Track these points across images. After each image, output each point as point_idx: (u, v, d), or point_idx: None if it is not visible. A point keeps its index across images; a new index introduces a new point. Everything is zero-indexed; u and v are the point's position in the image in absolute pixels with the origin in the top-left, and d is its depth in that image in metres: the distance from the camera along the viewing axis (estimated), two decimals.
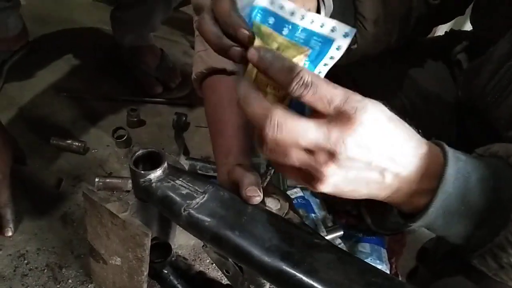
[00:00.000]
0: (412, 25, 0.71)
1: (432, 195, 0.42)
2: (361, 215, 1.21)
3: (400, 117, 0.44)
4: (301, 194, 1.24)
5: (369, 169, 0.41)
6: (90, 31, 1.72)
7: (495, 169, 0.44)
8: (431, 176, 0.43)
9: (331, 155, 0.40)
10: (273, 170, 0.57)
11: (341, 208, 1.24)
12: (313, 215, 1.19)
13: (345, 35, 0.42)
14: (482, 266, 0.46)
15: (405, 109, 0.83)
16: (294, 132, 0.40)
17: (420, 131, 0.45)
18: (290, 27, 0.43)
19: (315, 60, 0.44)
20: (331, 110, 0.40)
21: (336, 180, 0.42)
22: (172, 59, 1.59)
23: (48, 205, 1.09)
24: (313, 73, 0.40)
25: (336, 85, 0.40)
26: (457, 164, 0.42)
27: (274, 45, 0.44)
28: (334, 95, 0.40)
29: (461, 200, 0.43)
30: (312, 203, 1.22)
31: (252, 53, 0.42)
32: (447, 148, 0.43)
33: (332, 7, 0.57)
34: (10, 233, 0.99)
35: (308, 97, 0.40)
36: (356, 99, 0.40)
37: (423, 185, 0.43)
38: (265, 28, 0.44)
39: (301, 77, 0.39)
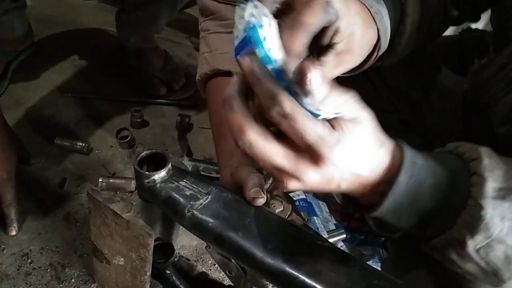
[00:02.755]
0: (433, 33, 0.72)
1: (384, 195, 0.45)
2: (363, 218, 1.21)
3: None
4: (303, 196, 1.24)
5: (329, 184, 0.44)
6: (95, 33, 1.73)
7: (452, 175, 0.46)
8: (386, 180, 0.45)
9: (295, 177, 0.43)
10: None
11: (343, 211, 1.24)
12: (315, 217, 1.20)
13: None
14: (429, 252, 0.49)
15: (420, 102, 0.84)
16: (262, 154, 0.42)
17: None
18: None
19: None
20: (303, 145, 0.41)
21: (298, 188, 0.45)
22: (176, 60, 1.60)
23: (51, 204, 1.10)
24: (295, 104, 0.39)
25: (315, 120, 0.40)
26: (411, 170, 0.45)
27: None
28: (309, 133, 0.40)
29: (411, 203, 0.46)
30: (314, 206, 1.23)
31: (246, 63, 0.41)
32: (406, 153, 0.45)
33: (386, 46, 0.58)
34: (14, 232, 1.00)
35: (284, 127, 0.41)
36: (330, 142, 0.40)
37: (378, 188, 0.46)
38: None
39: (281, 107, 0.39)
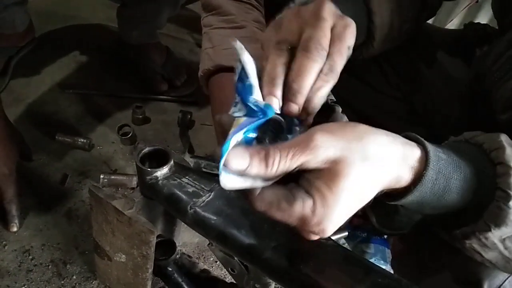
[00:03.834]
0: (427, 9, 0.72)
1: (410, 189, 0.43)
2: (366, 215, 1.21)
3: None
4: None
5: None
6: (96, 28, 1.72)
7: (477, 167, 0.45)
8: (411, 178, 0.43)
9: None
10: None
11: None
12: None
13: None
14: (448, 240, 0.49)
15: (430, 92, 0.85)
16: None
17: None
18: None
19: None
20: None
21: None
22: (178, 56, 1.59)
23: (53, 201, 1.10)
24: (264, 201, 0.40)
25: (292, 204, 0.39)
26: (438, 165, 0.43)
27: None
28: (291, 220, 0.40)
29: (438, 198, 0.44)
30: None
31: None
32: (429, 148, 0.43)
33: None
34: (15, 229, 1.00)
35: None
36: (316, 221, 0.39)
37: (403, 184, 0.44)
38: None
39: (257, 207, 0.41)
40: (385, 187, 0.42)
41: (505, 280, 0.51)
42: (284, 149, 0.38)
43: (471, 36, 0.82)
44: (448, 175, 0.43)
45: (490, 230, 0.43)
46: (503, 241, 0.43)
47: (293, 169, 0.39)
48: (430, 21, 0.94)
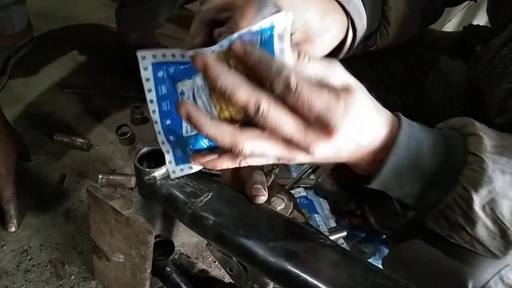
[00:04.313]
0: (432, 14, 0.73)
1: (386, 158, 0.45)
2: (364, 215, 1.21)
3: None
4: (304, 194, 1.23)
5: (335, 156, 0.45)
6: (95, 28, 1.72)
7: (448, 136, 0.48)
8: (385, 148, 0.46)
9: (304, 150, 0.43)
10: (278, 169, 0.57)
11: (344, 208, 1.24)
12: (316, 215, 1.19)
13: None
14: (436, 226, 0.50)
15: (430, 98, 0.86)
16: (273, 122, 0.41)
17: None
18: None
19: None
20: (312, 117, 0.41)
21: (304, 161, 0.45)
22: None
23: (51, 201, 1.09)
24: (300, 75, 0.40)
25: (321, 88, 0.40)
26: (410, 129, 0.45)
27: None
28: (317, 102, 0.40)
29: (412, 163, 0.46)
30: (315, 203, 1.22)
31: (247, 44, 0.40)
32: (403, 117, 0.47)
33: (364, 27, 0.59)
34: (13, 229, 0.99)
35: (291, 100, 0.40)
36: (338, 110, 0.40)
37: (377, 156, 0.46)
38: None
39: (286, 79, 0.39)
40: (368, 140, 0.45)
41: (490, 280, 0.51)
42: (313, 57, 0.42)
43: (470, 38, 0.82)
44: (420, 139, 0.46)
45: (469, 194, 0.44)
46: (483, 209, 0.45)
47: (316, 78, 0.42)
48: None
